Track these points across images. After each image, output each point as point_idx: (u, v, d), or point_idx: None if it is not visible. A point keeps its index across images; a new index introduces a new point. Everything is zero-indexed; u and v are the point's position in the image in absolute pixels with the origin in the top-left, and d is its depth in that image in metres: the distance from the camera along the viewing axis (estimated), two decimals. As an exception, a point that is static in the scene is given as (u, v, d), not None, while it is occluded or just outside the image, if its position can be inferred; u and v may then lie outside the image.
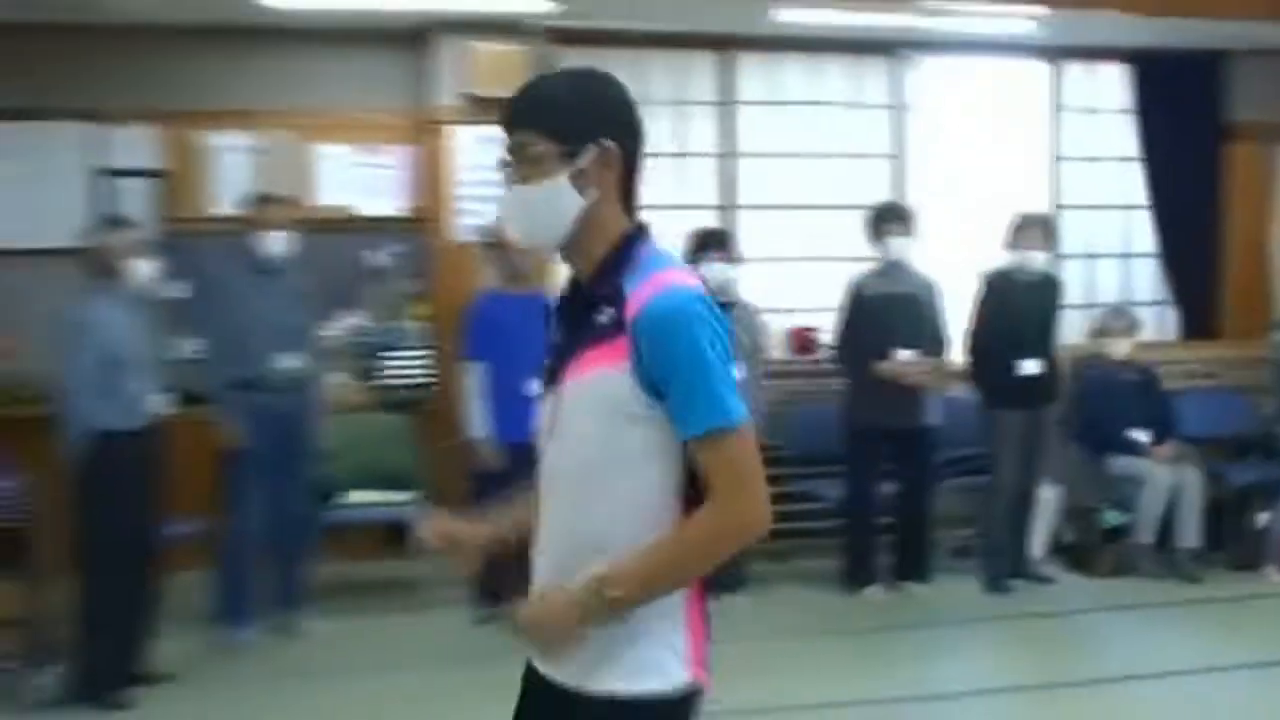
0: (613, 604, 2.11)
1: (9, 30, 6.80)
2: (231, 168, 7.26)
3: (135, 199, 7.13)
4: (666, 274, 2.16)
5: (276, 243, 5.95)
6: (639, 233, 2.24)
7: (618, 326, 2.13)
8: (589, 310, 2.19)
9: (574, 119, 2.18)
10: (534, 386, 2.34)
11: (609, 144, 2.19)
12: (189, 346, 6.60)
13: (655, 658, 2.18)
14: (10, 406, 6.58)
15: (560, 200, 2.18)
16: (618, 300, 2.15)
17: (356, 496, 6.66)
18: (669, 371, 2.09)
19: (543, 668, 2.27)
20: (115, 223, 5.48)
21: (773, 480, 2.18)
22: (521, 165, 2.20)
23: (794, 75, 8.18)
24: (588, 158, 2.17)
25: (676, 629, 2.20)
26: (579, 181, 2.18)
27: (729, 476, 2.12)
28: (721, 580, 5.48)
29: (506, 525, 2.42)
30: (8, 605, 5.48)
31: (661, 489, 2.17)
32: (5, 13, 6.61)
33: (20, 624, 5.51)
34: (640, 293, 2.13)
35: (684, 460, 2.16)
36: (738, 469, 2.12)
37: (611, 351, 2.13)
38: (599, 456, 2.16)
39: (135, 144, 7.23)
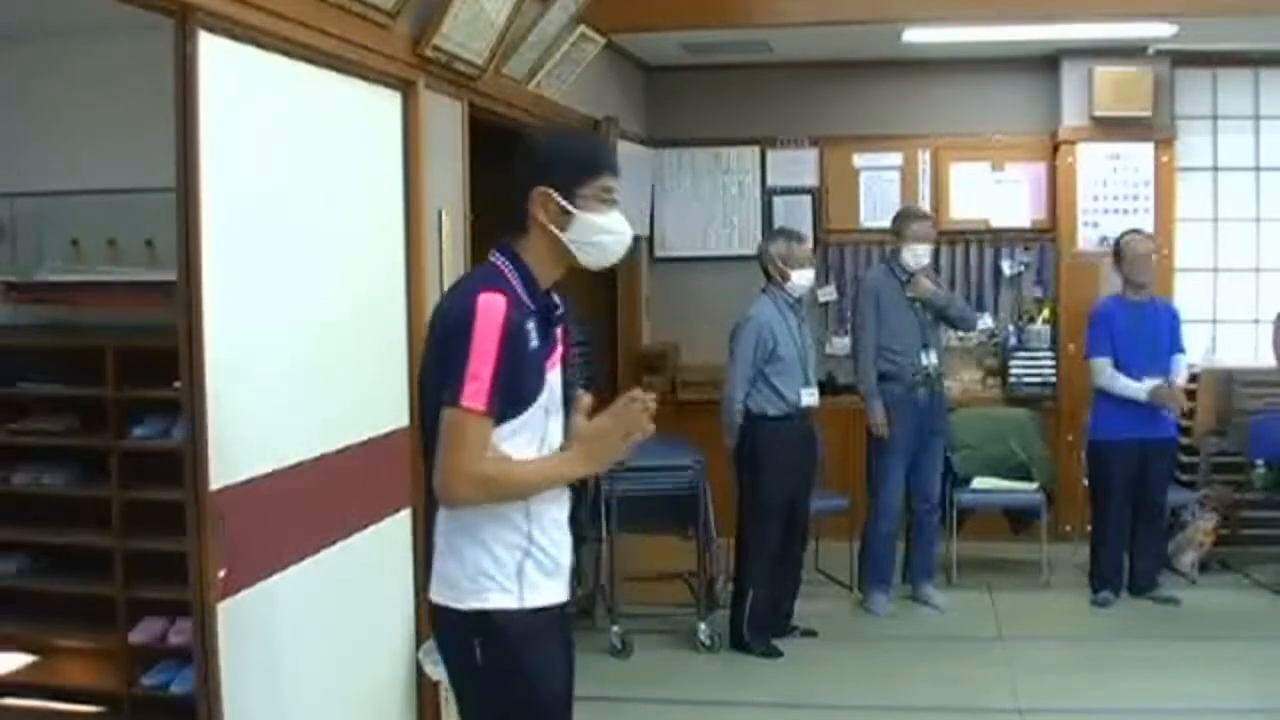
0: None
1: (698, 71, 8.04)
2: (878, 185, 8.08)
3: (797, 213, 8.13)
4: None
5: (916, 253, 6.45)
6: None
7: None
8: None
9: None
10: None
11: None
12: (839, 343, 7.51)
13: None
14: (689, 392, 7.76)
15: None
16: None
17: (983, 483, 7.02)
18: None
19: None
20: (783, 234, 6.17)
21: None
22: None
23: None
24: None
25: None
26: None
27: None
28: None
29: None
30: (684, 560, 6.16)
31: None
32: (695, 57, 7.81)
33: (692, 577, 6.14)
34: None
35: None
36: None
37: None
38: None
39: (798, 165, 8.25)
